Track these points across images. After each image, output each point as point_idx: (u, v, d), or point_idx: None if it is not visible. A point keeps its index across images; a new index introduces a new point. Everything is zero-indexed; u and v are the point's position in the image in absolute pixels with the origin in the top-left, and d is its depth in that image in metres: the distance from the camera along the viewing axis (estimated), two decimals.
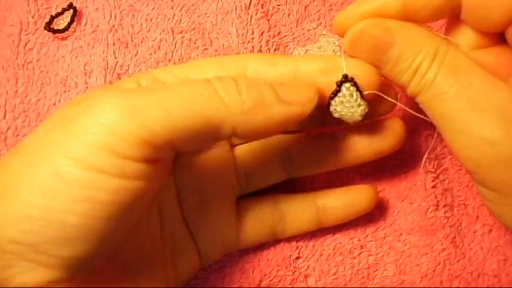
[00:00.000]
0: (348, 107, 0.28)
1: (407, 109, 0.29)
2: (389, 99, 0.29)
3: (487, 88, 0.27)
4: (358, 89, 0.28)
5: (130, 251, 0.28)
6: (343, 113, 0.28)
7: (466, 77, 0.27)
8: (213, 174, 0.32)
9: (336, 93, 0.28)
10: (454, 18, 0.30)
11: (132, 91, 0.24)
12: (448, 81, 0.27)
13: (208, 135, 0.25)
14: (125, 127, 0.22)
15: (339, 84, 0.28)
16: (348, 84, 0.28)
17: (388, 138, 0.32)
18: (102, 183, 0.22)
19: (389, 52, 0.28)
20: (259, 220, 0.33)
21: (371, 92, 0.28)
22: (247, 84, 0.25)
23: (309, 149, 0.33)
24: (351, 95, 0.28)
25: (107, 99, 0.23)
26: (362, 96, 0.28)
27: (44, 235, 0.22)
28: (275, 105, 0.25)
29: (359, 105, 0.28)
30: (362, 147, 0.32)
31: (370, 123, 0.32)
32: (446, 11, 0.28)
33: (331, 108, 0.29)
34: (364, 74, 0.28)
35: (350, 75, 0.28)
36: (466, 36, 0.29)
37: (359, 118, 0.29)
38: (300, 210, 0.33)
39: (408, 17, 0.28)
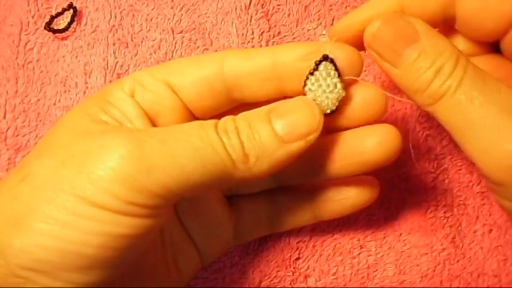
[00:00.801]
0: (323, 87, 0.26)
1: (394, 96, 0.28)
2: (379, 94, 0.28)
3: None
4: (336, 70, 0.26)
5: (135, 262, 0.28)
6: (317, 94, 0.27)
7: (494, 84, 0.25)
8: None
9: (312, 72, 0.27)
10: (446, 27, 0.30)
11: (146, 139, 0.24)
12: (477, 85, 0.25)
13: (214, 186, 0.26)
14: (139, 181, 0.23)
15: (317, 63, 0.26)
16: (326, 63, 0.26)
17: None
18: (115, 220, 0.23)
19: (411, 47, 0.26)
20: (255, 213, 0.33)
21: (351, 77, 0.27)
22: (248, 136, 0.25)
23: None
24: (328, 74, 0.26)
25: (121, 149, 0.23)
26: (340, 79, 0.26)
27: (60, 264, 0.23)
28: (278, 150, 0.25)
29: (335, 87, 0.26)
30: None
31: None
32: (440, 20, 0.28)
33: (306, 88, 0.27)
34: (346, 57, 0.27)
35: (331, 56, 0.26)
36: (458, 45, 0.29)
37: (334, 104, 0.27)
38: (295, 203, 0.33)
39: None
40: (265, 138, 0.25)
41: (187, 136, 0.24)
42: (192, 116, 0.29)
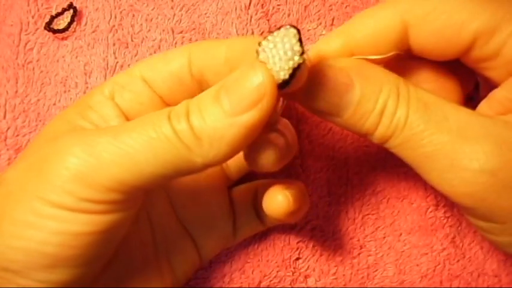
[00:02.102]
0: (279, 47, 0.23)
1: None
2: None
3: (465, 117, 0.25)
4: (300, 37, 0.23)
5: (122, 261, 0.29)
6: (270, 56, 0.23)
7: (439, 110, 0.25)
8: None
9: (272, 32, 0.23)
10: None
11: (98, 136, 0.24)
12: (423, 117, 0.24)
13: (178, 175, 0.24)
14: (92, 178, 0.23)
15: (278, 27, 0.23)
16: (290, 27, 0.23)
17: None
18: (74, 218, 0.24)
19: (348, 95, 0.25)
20: (245, 205, 0.33)
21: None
22: (197, 119, 0.23)
23: None
24: (289, 36, 0.23)
25: (74, 147, 0.24)
26: (300, 43, 0.23)
27: (26, 263, 0.24)
28: (230, 128, 0.23)
29: (292, 50, 0.23)
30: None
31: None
32: (391, 55, 0.27)
33: (259, 49, 0.23)
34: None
35: (298, 27, 0.24)
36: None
37: (287, 72, 0.23)
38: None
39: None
40: (213, 117, 0.23)
41: (141, 128, 0.24)
42: None
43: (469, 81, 0.30)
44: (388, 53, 0.27)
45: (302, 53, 0.23)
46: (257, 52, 0.23)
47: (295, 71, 0.23)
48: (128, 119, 0.28)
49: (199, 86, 0.28)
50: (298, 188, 0.28)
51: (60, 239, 0.24)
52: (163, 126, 0.24)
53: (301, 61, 0.23)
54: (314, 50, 0.28)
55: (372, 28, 0.27)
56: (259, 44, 0.23)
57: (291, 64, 0.23)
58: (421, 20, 0.26)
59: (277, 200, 0.27)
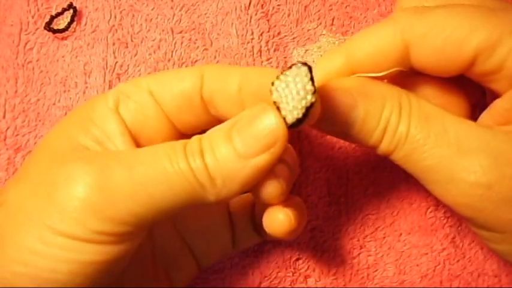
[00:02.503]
0: (292, 87, 0.23)
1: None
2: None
3: (464, 130, 0.25)
4: (311, 74, 0.23)
5: (119, 274, 0.28)
6: (283, 96, 0.23)
7: (439, 124, 0.25)
8: None
9: (283, 72, 0.24)
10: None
11: (113, 166, 0.24)
12: (423, 132, 0.25)
13: (188, 207, 0.25)
14: (106, 210, 0.23)
15: (290, 66, 0.24)
16: (300, 65, 0.23)
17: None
18: (81, 248, 0.23)
19: (352, 115, 0.26)
20: (243, 218, 0.33)
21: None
22: (211, 158, 0.24)
23: None
24: (301, 76, 0.23)
25: (87, 177, 0.23)
26: (312, 82, 0.23)
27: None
28: (243, 169, 0.24)
29: (305, 89, 0.23)
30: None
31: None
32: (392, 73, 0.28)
33: (272, 88, 0.24)
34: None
35: (310, 64, 0.24)
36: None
37: (300, 111, 0.23)
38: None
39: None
40: (227, 159, 0.24)
41: (156, 159, 0.24)
42: (176, 129, 0.28)
43: (475, 90, 0.29)
44: (390, 70, 0.27)
45: (314, 91, 0.23)
46: (270, 91, 0.24)
47: (308, 109, 0.23)
48: (131, 133, 0.27)
49: (206, 109, 0.28)
50: (297, 204, 0.28)
51: (70, 267, 0.23)
52: (181, 162, 0.24)
53: (313, 100, 0.23)
54: (318, 68, 0.28)
55: (373, 47, 0.27)
56: (272, 83, 0.24)
57: (303, 103, 0.23)
58: (421, 38, 0.26)
59: (279, 219, 0.27)
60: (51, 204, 0.23)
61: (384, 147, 0.26)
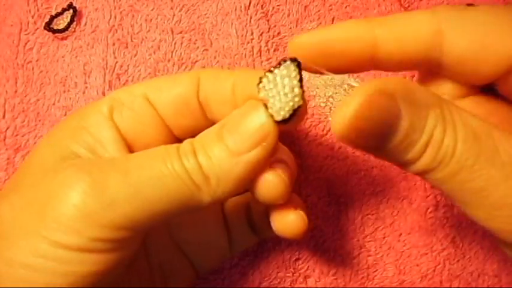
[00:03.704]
0: (280, 88, 0.23)
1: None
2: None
3: None
4: (299, 74, 0.23)
5: (113, 283, 0.28)
6: (270, 95, 0.23)
7: (489, 140, 0.22)
8: None
9: (271, 69, 0.23)
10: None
11: (108, 172, 0.24)
12: (473, 149, 0.21)
13: (184, 212, 0.25)
14: (103, 216, 0.23)
15: (279, 62, 0.23)
16: (290, 63, 0.23)
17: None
18: (79, 259, 0.23)
19: (396, 125, 0.21)
20: (239, 220, 0.32)
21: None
22: (204, 158, 0.24)
23: None
24: (288, 75, 0.23)
25: (83, 184, 0.23)
26: (300, 84, 0.23)
27: None
28: (236, 166, 0.24)
29: (292, 91, 0.23)
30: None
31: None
32: (419, 65, 0.25)
33: (260, 86, 0.24)
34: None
35: (299, 60, 0.23)
36: (443, 86, 0.26)
37: (287, 111, 0.23)
38: (264, 214, 0.31)
39: (370, 61, 0.25)
40: (220, 156, 0.24)
41: (151, 162, 0.24)
42: (172, 135, 0.28)
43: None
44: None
45: (302, 93, 0.23)
46: (258, 90, 0.24)
47: (295, 111, 0.23)
48: (126, 140, 0.27)
49: (203, 113, 0.28)
50: (301, 203, 0.28)
51: (67, 280, 0.23)
52: (175, 163, 0.24)
53: (301, 103, 0.23)
54: (334, 29, 0.25)
55: (405, 26, 0.24)
56: (260, 81, 0.24)
57: (290, 105, 0.23)
58: (458, 28, 0.24)
59: (291, 220, 0.27)
60: (47, 214, 0.23)
61: (424, 163, 0.22)
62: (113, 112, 0.27)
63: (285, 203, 0.27)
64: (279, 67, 0.23)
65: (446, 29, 0.24)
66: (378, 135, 0.22)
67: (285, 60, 0.23)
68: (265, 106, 0.24)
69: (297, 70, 0.23)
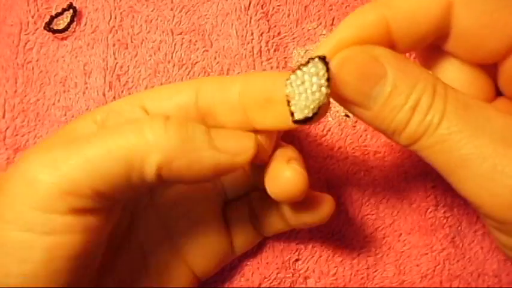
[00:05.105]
0: (307, 86, 0.23)
1: None
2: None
3: (508, 121, 0.22)
4: (328, 73, 0.22)
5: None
6: (296, 92, 0.23)
7: (481, 111, 0.22)
8: (196, 194, 0.32)
9: (300, 67, 0.23)
10: (428, 51, 0.27)
11: (56, 144, 0.24)
12: (462, 117, 0.22)
13: (132, 177, 0.23)
14: (46, 181, 0.22)
15: (308, 60, 0.23)
16: (319, 61, 0.23)
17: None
18: (35, 242, 0.22)
19: (379, 85, 0.22)
20: (241, 221, 0.32)
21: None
22: (178, 124, 0.24)
23: None
24: (316, 74, 0.23)
25: (31, 156, 0.23)
26: (328, 83, 0.22)
27: None
28: (204, 149, 0.24)
29: (320, 90, 0.23)
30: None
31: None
32: (430, 40, 0.25)
33: (287, 82, 0.23)
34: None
35: (328, 59, 0.23)
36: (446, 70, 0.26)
37: (311, 110, 0.23)
38: (266, 210, 0.31)
39: (390, 45, 0.24)
40: (197, 131, 0.24)
41: (102, 131, 0.24)
42: None
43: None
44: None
45: (329, 93, 0.23)
46: (285, 85, 0.24)
47: (319, 109, 0.23)
48: None
49: (203, 121, 0.27)
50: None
51: (22, 268, 0.22)
52: (129, 124, 0.24)
53: (326, 101, 0.23)
54: (349, 21, 0.25)
55: (414, 1, 0.24)
56: (288, 77, 0.23)
57: (316, 104, 0.23)
58: (469, 3, 0.24)
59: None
60: (4, 197, 0.23)
61: (410, 131, 0.22)
62: (106, 121, 0.26)
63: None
64: (307, 65, 0.23)
65: (456, 1, 0.24)
66: (362, 94, 0.23)
67: (313, 58, 0.23)
68: (288, 104, 0.24)
69: (325, 69, 0.22)
